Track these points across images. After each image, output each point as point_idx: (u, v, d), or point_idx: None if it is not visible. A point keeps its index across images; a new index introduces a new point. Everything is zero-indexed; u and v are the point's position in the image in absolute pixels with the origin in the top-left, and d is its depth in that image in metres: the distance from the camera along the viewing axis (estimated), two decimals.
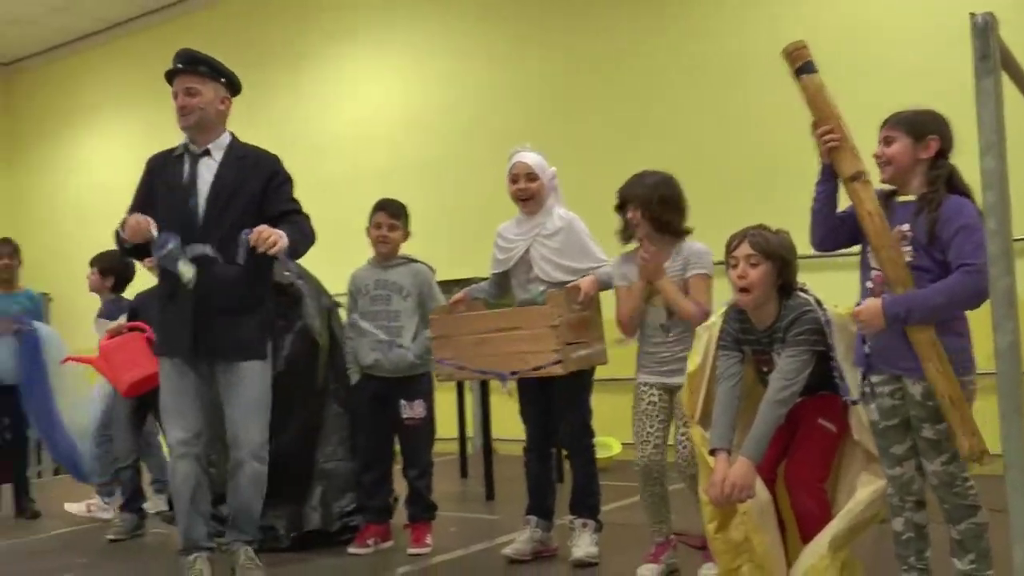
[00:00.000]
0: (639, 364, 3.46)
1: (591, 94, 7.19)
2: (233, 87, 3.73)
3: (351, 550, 4.07)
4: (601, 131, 7.05)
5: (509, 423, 5.19)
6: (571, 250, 3.71)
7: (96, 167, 10.59)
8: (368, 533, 4.10)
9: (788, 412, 2.92)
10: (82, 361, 4.85)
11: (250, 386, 3.57)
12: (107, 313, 5.02)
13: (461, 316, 3.73)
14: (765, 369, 3.02)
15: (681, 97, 6.77)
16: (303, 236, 3.56)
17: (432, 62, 8.17)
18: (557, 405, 3.74)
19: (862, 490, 2.88)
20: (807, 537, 2.89)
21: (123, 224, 3.55)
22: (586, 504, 3.74)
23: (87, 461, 5.12)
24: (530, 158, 3.77)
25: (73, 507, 5.25)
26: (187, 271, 3.41)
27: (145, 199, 3.65)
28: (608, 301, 3.62)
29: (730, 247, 2.97)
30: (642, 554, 3.47)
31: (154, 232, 3.46)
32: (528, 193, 3.75)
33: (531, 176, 3.75)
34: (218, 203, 3.53)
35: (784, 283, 2.94)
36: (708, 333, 3.08)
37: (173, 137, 3.76)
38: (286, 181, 3.67)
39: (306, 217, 3.65)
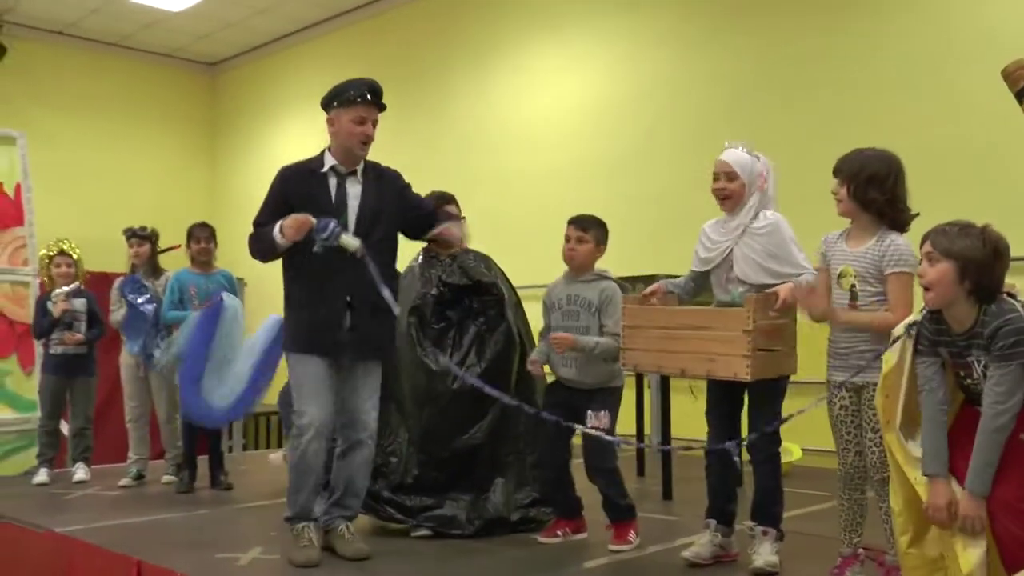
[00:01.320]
0: (829, 364, 3.32)
1: (786, 86, 6.88)
2: None
3: (540, 538, 4.11)
4: (796, 126, 6.75)
5: (688, 422, 5.10)
6: (775, 253, 3.57)
7: (288, 158, 11.05)
8: (559, 526, 4.12)
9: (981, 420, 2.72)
10: None
11: (378, 379, 3.90)
12: None
13: (654, 308, 3.65)
14: (963, 374, 2.82)
15: (882, 88, 6.38)
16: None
17: (618, 52, 8.06)
18: (748, 409, 3.63)
19: None
20: (1011, 562, 2.66)
21: (281, 229, 3.72)
22: (769, 512, 3.61)
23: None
24: (732, 155, 3.66)
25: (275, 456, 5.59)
26: (353, 242, 3.65)
27: (281, 209, 3.83)
28: None
29: (921, 242, 2.83)
30: (827, 567, 3.31)
31: (313, 220, 3.66)
32: (726, 193, 3.65)
33: (731, 175, 3.63)
34: (366, 221, 3.78)
35: (976, 285, 2.72)
36: (905, 332, 2.89)
37: None
38: (409, 185, 4.02)
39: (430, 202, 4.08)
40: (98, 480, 5.96)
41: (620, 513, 4.05)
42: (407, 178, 4.08)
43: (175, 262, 6.16)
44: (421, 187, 4.08)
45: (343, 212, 3.78)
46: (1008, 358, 2.66)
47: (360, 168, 3.88)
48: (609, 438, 3.80)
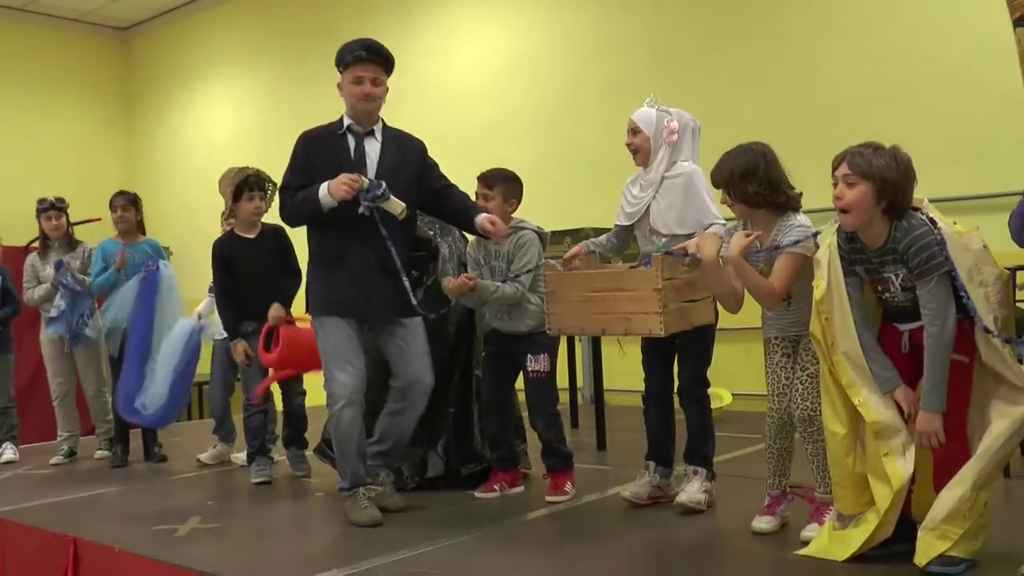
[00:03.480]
0: (765, 322, 3.40)
1: (704, 40, 6.96)
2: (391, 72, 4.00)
3: (477, 494, 4.17)
4: (714, 79, 6.84)
5: (619, 374, 5.19)
6: (687, 203, 3.68)
7: (206, 125, 10.91)
8: (495, 479, 4.18)
9: (916, 341, 2.85)
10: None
11: (420, 337, 3.92)
12: None
13: (571, 274, 3.76)
14: (880, 288, 2.95)
15: (806, 42, 6.49)
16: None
17: (537, 9, 8.06)
18: (677, 359, 3.76)
19: (998, 422, 2.76)
20: (942, 480, 2.80)
21: (329, 189, 3.70)
22: (699, 452, 3.75)
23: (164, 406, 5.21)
24: (638, 113, 3.82)
25: (204, 456, 5.44)
26: (399, 204, 3.72)
27: (309, 172, 3.84)
28: None
29: (833, 166, 2.90)
30: (759, 507, 3.42)
31: (365, 180, 3.70)
32: (633, 147, 3.82)
33: (635, 130, 3.80)
34: (385, 179, 3.76)
35: (891, 204, 2.82)
36: (828, 255, 2.98)
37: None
38: (436, 163, 4.05)
39: (455, 187, 4.01)
40: (28, 459, 5.86)
41: (559, 460, 4.14)
42: None
43: (93, 234, 6.02)
44: None
45: (362, 169, 3.82)
46: (926, 273, 2.78)
47: (378, 128, 3.94)
48: None
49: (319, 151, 3.88)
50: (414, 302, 3.84)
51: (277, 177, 4.98)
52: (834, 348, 2.96)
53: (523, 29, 8.12)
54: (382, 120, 3.99)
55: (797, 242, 3.19)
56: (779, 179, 3.28)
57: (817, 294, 2.98)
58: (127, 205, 5.63)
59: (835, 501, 3.10)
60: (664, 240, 3.65)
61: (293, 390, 4.99)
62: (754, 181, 3.25)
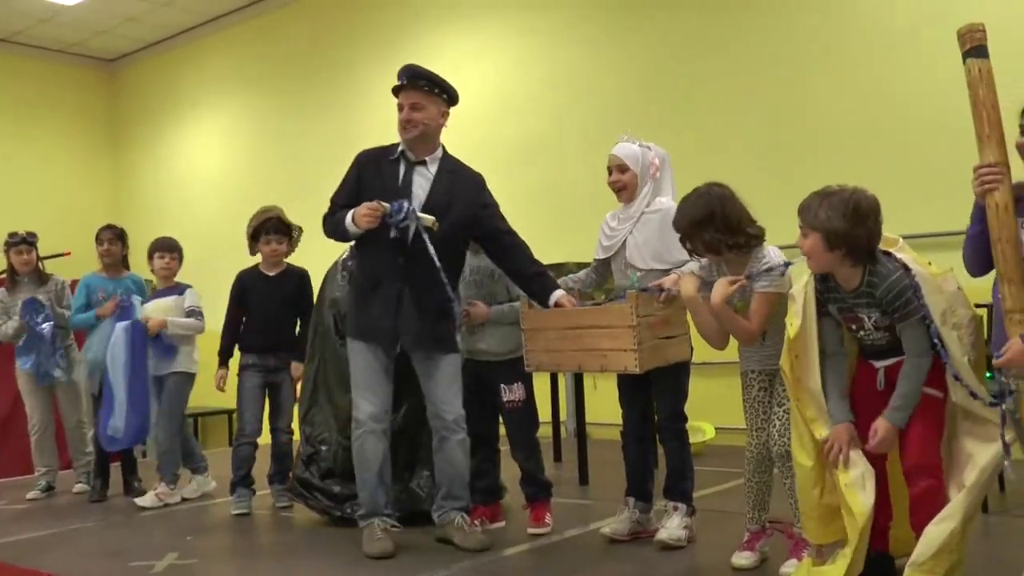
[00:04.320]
0: (742, 356, 3.41)
1: (691, 78, 7.02)
2: (452, 100, 3.91)
3: None
4: (700, 117, 6.89)
5: (602, 407, 5.18)
6: (663, 238, 3.67)
7: (194, 156, 10.91)
8: (476, 514, 4.15)
9: (891, 379, 2.90)
10: None
11: (454, 368, 3.87)
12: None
13: (549, 311, 3.77)
14: (854, 327, 2.98)
15: (786, 78, 6.56)
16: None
17: (526, 43, 8.12)
18: (653, 395, 3.76)
19: (981, 455, 2.77)
20: (919, 515, 2.81)
21: (353, 217, 3.70)
22: (678, 488, 3.75)
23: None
24: (621, 149, 3.80)
25: (145, 500, 5.21)
26: (429, 218, 3.66)
27: (356, 191, 3.84)
28: None
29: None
30: (737, 541, 3.41)
31: (386, 205, 3.65)
32: (620, 184, 3.80)
33: (622, 168, 3.78)
34: (434, 213, 3.72)
35: (849, 251, 2.83)
36: (803, 294, 2.99)
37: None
38: (494, 203, 3.94)
39: (515, 235, 3.92)
40: (5, 494, 5.79)
41: (538, 490, 4.14)
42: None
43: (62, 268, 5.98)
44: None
45: (408, 197, 3.75)
46: (906, 317, 2.83)
47: (435, 157, 3.88)
48: None
49: (370, 171, 3.88)
50: (453, 336, 3.86)
51: (249, 212, 5.08)
52: (800, 384, 2.99)
53: (511, 64, 8.19)
54: (443, 148, 3.92)
55: (769, 282, 3.21)
56: (738, 220, 3.25)
57: (791, 332, 3.00)
58: (114, 239, 5.61)
59: (803, 531, 3.12)
60: (639, 275, 3.67)
61: (280, 428, 5.01)
62: (710, 228, 3.24)
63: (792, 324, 3.00)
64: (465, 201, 3.84)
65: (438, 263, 3.65)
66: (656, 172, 3.77)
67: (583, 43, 7.71)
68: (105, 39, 11.00)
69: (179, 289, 5.33)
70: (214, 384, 5.04)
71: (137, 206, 11.46)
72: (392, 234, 3.67)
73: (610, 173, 3.82)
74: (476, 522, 4.13)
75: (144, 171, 11.54)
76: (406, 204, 3.65)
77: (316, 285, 4.93)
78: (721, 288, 3.19)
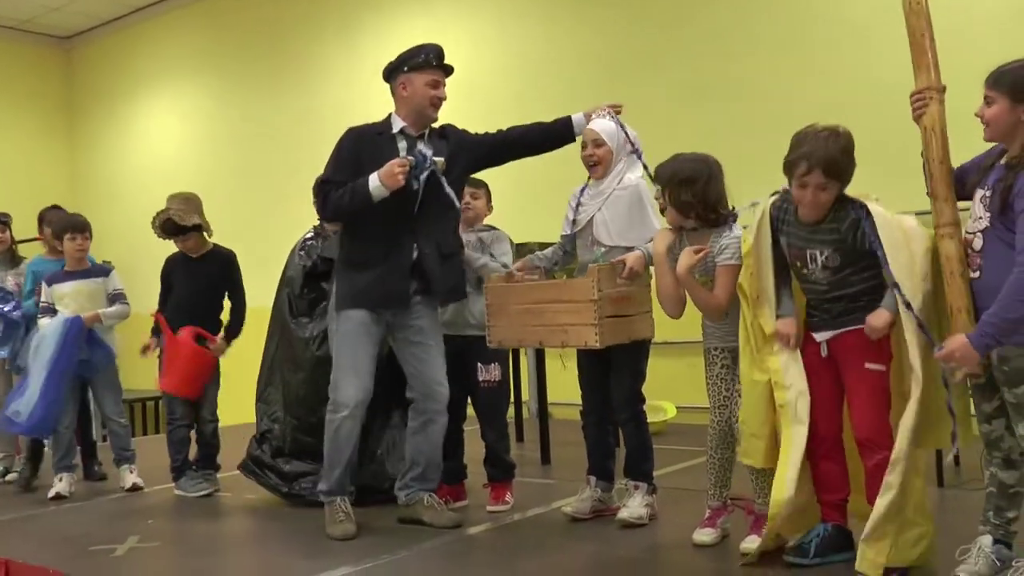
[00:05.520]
0: (705, 333, 3.44)
1: (653, 55, 7.02)
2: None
3: None
4: (663, 94, 6.89)
5: (564, 387, 5.20)
6: (631, 216, 3.69)
7: (151, 136, 10.76)
8: (440, 494, 4.14)
9: (832, 350, 3.01)
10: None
11: (440, 344, 3.91)
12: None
13: (511, 286, 3.78)
14: (799, 264, 3.05)
15: (753, 56, 6.58)
16: None
17: (484, 24, 8.09)
18: (611, 373, 3.76)
19: (905, 418, 2.82)
20: (875, 487, 2.86)
21: (381, 180, 3.67)
22: (639, 468, 3.77)
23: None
24: (599, 124, 3.80)
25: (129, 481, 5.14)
26: (440, 160, 3.77)
27: (355, 169, 3.80)
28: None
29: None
30: (698, 519, 3.45)
31: (410, 159, 3.70)
32: (595, 158, 3.78)
33: (598, 142, 3.77)
34: (446, 173, 3.78)
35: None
36: (758, 218, 3.10)
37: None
38: (468, 133, 4.06)
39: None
40: None
41: (502, 470, 4.17)
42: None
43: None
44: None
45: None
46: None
47: (426, 133, 3.93)
48: None
49: (367, 150, 3.85)
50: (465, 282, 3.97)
51: (207, 193, 5.00)
52: (759, 302, 3.09)
53: (470, 45, 8.13)
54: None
55: (732, 254, 3.27)
56: (715, 197, 3.33)
57: (744, 247, 3.12)
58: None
59: (742, 455, 3.19)
60: (603, 251, 3.68)
61: (204, 417, 4.96)
62: (689, 191, 3.31)
63: (746, 240, 3.14)
64: (459, 156, 3.91)
65: (457, 202, 3.80)
66: (631, 150, 3.78)
67: (544, 20, 7.70)
68: (59, 16, 10.78)
69: (95, 271, 5.20)
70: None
71: (95, 186, 11.29)
72: (415, 186, 3.72)
73: (584, 147, 3.81)
74: (440, 501, 4.15)
75: (102, 151, 11.36)
76: (428, 152, 3.73)
77: (277, 268, 4.85)
78: (686, 258, 3.25)
